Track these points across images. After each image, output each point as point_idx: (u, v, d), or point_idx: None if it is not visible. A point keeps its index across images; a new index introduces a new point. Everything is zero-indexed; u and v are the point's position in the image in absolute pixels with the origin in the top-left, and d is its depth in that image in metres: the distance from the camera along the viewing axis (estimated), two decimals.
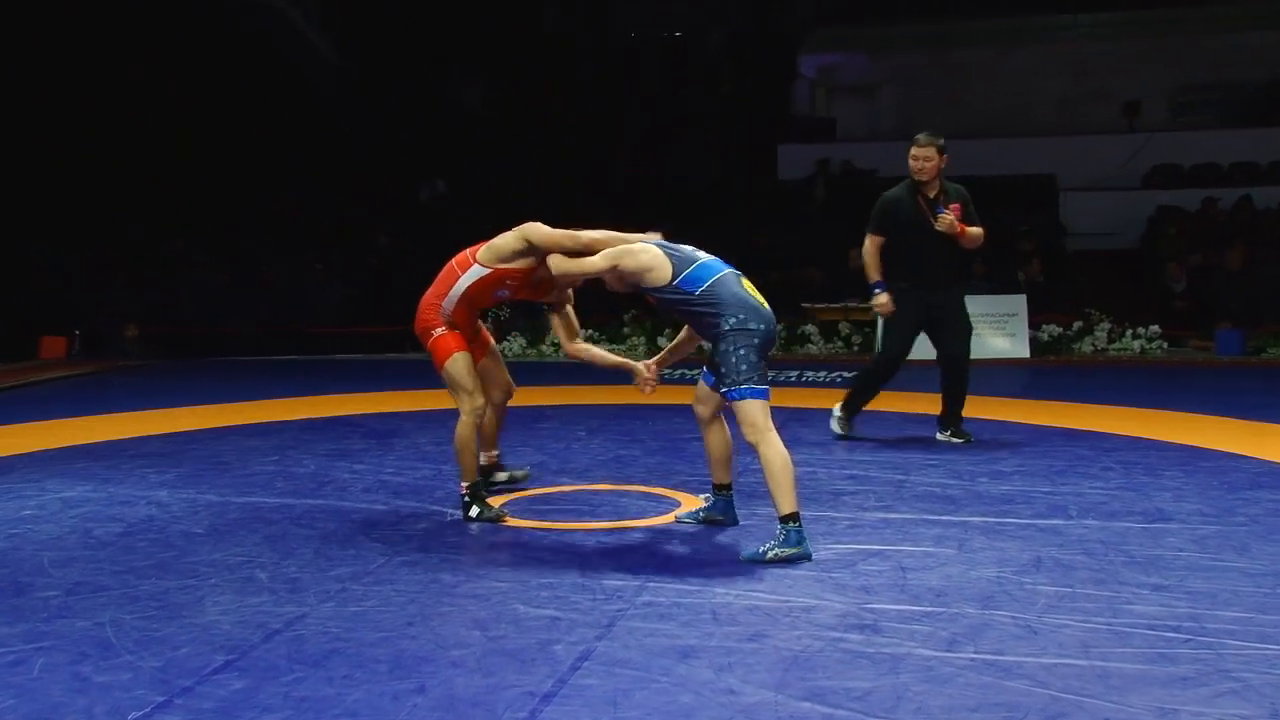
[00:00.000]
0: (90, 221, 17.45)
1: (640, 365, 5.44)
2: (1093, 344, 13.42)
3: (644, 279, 4.92)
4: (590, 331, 13.90)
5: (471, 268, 5.44)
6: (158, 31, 18.18)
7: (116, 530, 5.33)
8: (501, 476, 6.10)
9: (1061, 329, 13.56)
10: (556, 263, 5.19)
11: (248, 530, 5.31)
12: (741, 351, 4.75)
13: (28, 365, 13.06)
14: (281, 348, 15.13)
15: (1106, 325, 13.57)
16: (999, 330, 13.13)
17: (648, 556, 4.79)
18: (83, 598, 4.28)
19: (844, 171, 18.86)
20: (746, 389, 4.74)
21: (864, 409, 7.63)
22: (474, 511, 5.44)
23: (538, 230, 5.29)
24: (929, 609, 4.02)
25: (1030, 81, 20.82)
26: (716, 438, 5.18)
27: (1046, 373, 12.03)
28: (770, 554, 4.63)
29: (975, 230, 7.28)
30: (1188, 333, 13.72)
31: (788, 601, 4.13)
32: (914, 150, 7.32)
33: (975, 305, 13.07)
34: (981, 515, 5.41)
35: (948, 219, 7.16)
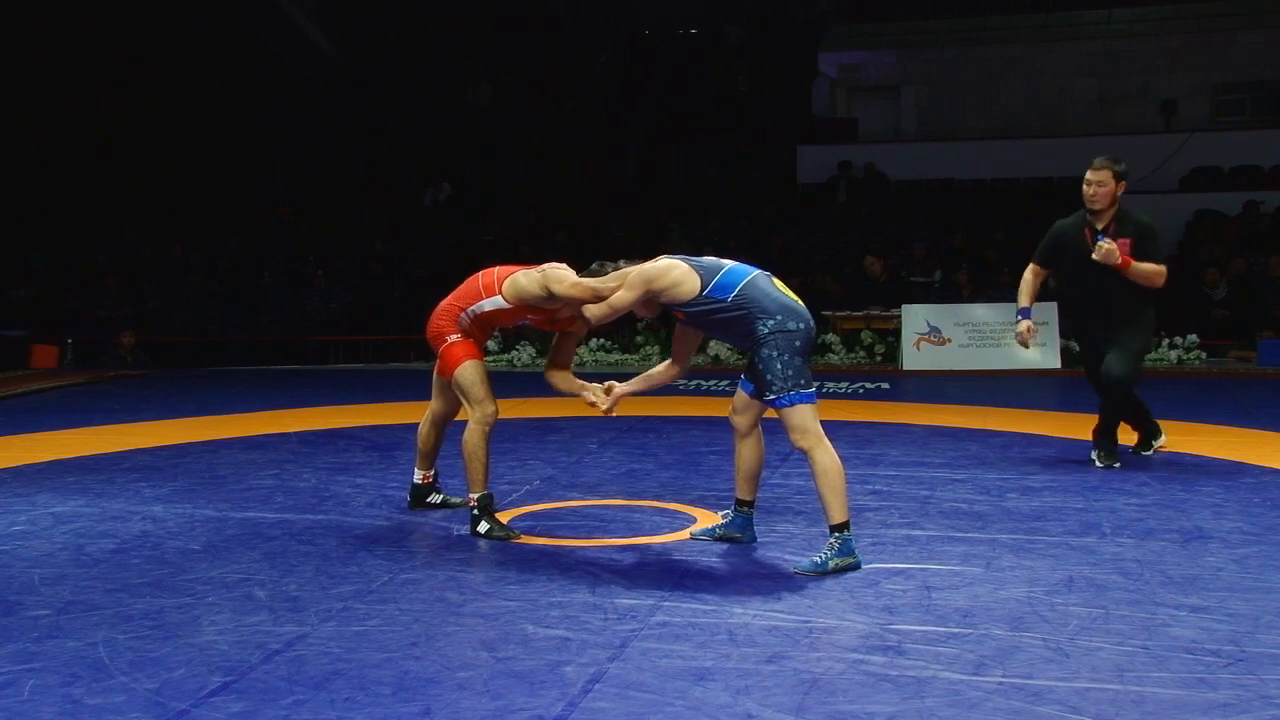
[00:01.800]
0: (84, 228, 17.40)
1: (598, 389, 5.32)
2: None
3: (675, 295, 4.79)
4: (603, 341, 13.86)
5: (495, 297, 5.41)
6: (155, 35, 18.15)
7: (110, 546, 5.23)
8: (435, 500, 5.95)
9: None
10: (591, 312, 5.04)
11: (246, 547, 5.21)
12: (785, 356, 4.65)
13: (18, 375, 12.93)
14: (280, 357, 15.05)
15: None
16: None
17: (662, 575, 4.68)
18: (75, 617, 4.19)
19: (867, 174, 18.75)
20: (795, 394, 4.63)
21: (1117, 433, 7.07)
22: (483, 527, 5.33)
23: (559, 283, 5.17)
24: (955, 630, 3.92)
25: (1061, 80, 20.66)
26: (751, 451, 5.06)
27: (1078, 384, 11.86)
28: (832, 564, 4.58)
29: (1146, 267, 6.54)
30: (1228, 343, 13.58)
31: (808, 622, 4.04)
32: (1087, 174, 6.63)
33: (1005, 314, 13.07)
34: (1010, 533, 5.31)
35: (1105, 248, 6.48)
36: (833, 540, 4.62)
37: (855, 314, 13.84)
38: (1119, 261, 6.45)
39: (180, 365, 14.57)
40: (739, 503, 5.16)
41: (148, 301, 16.18)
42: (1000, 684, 3.43)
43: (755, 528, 5.20)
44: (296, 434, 8.54)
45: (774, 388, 4.65)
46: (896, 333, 13.42)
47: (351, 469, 7.10)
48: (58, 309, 15.71)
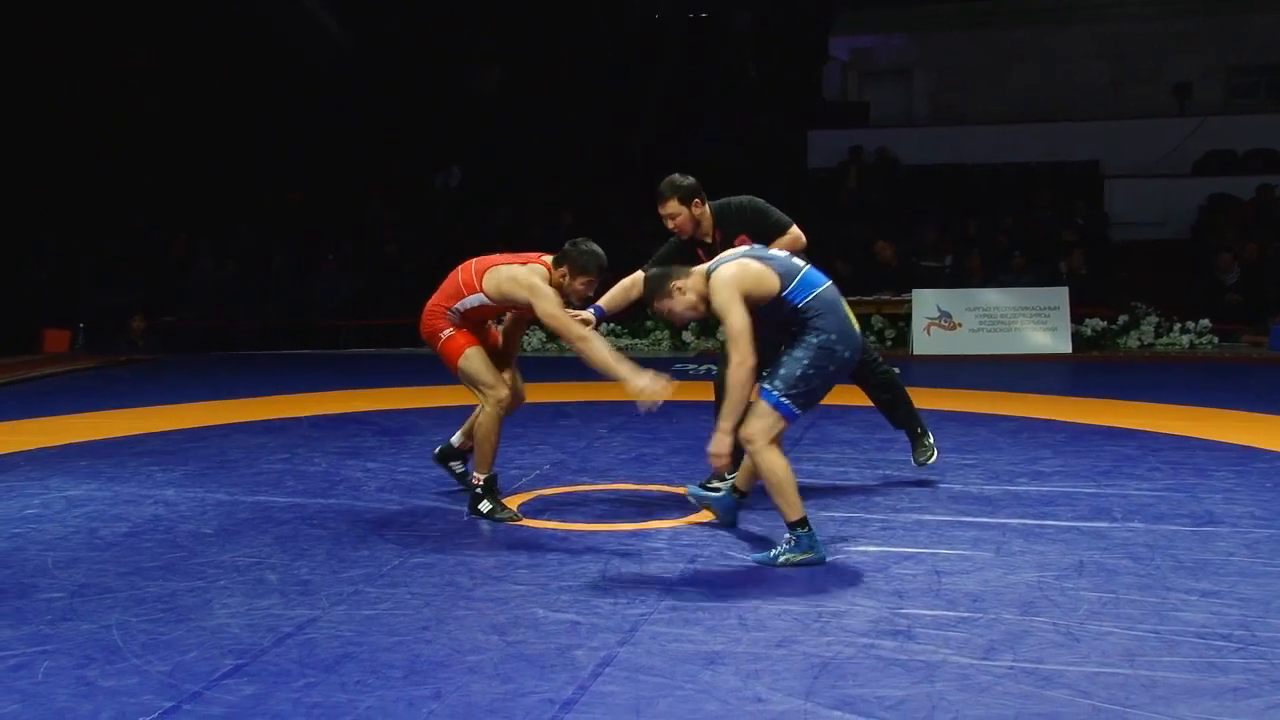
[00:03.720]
0: (96, 213, 17.40)
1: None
2: (1139, 339, 13.22)
3: (760, 298, 4.57)
4: (613, 326, 13.83)
5: (477, 294, 5.37)
6: (163, 19, 18.12)
7: (122, 530, 5.25)
8: (457, 468, 5.92)
9: (1106, 323, 13.33)
10: (740, 345, 4.52)
11: (258, 530, 5.22)
12: (811, 370, 4.53)
13: (30, 359, 12.96)
14: (290, 342, 15.05)
15: (1154, 319, 13.36)
16: (1040, 324, 12.93)
17: (672, 559, 4.68)
18: (88, 600, 4.20)
19: (878, 159, 18.66)
20: (786, 403, 4.52)
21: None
22: (485, 506, 5.37)
23: (542, 305, 5.15)
24: (965, 614, 3.91)
25: (1073, 63, 20.42)
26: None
27: (1090, 369, 11.90)
28: (782, 558, 4.53)
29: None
30: (1240, 327, 13.52)
31: (817, 606, 4.03)
32: (659, 208, 5.72)
33: (1015, 298, 13.06)
34: (1020, 517, 5.29)
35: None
36: (788, 538, 4.56)
37: (866, 299, 13.77)
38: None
39: (191, 350, 14.60)
40: (738, 490, 5.15)
41: (159, 287, 16.19)
42: (1010, 668, 3.42)
43: (739, 513, 5.19)
44: (308, 418, 8.56)
45: (774, 380, 4.55)
46: (907, 317, 13.37)
47: (362, 453, 7.10)
48: (70, 294, 15.72)
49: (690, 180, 5.73)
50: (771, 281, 4.58)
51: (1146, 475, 6.19)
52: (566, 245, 5.32)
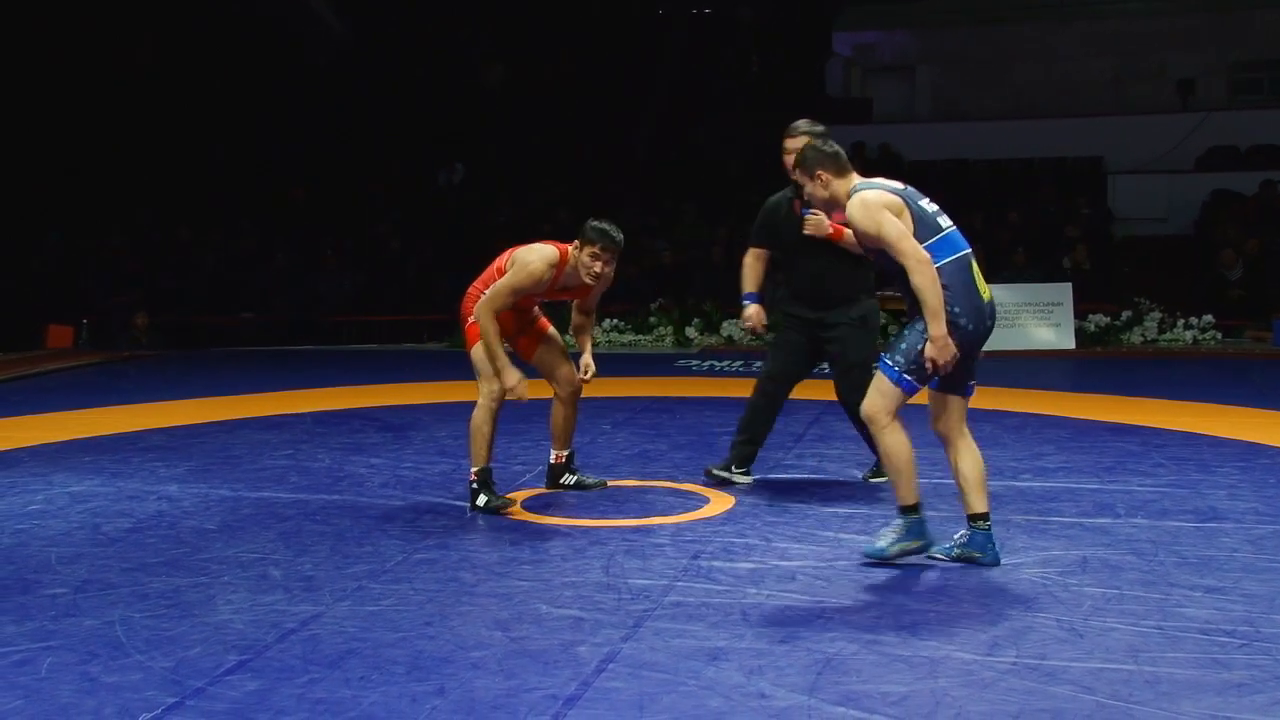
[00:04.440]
0: (99, 208, 17.40)
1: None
2: (1142, 335, 13.19)
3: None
4: (615, 321, 13.84)
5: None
6: (167, 15, 18.13)
7: (126, 526, 5.25)
8: (569, 480, 5.91)
9: (1109, 319, 13.30)
10: (916, 263, 4.30)
11: (261, 526, 5.22)
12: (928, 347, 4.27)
13: (34, 355, 12.96)
14: (294, 338, 15.05)
15: (1157, 315, 13.33)
16: (1043, 320, 12.88)
17: (675, 555, 4.67)
18: (91, 595, 4.20)
19: (881, 155, 18.63)
20: (906, 379, 4.34)
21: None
22: (481, 500, 5.38)
23: (504, 278, 5.39)
24: (969, 610, 3.92)
25: (1077, 59, 20.43)
26: (967, 460, 4.47)
27: (1093, 365, 11.88)
28: (894, 549, 4.40)
29: None
30: (1243, 323, 13.52)
31: (821, 602, 4.03)
32: (785, 142, 5.77)
33: (1019, 294, 13.01)
34: (1024, 513, 5.30)
35: (813, 219, 5.69)
36: (897, 524, 4.43)
37: None
38: (829, 232, 5.69)
39: (194, 346, 14.59)
40: (972, 517, 4.48)
41: (162, 283, 16.20)
42: (1014, 664, 3.41)
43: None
44: (311, 414, 8.55)
45: (894, 356, 4.34)
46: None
47: (366, 449, 7.10)
48: (73, 290, 15.73)
49: (823, 128, 5.71)
50: (909, 225, 4.31)
51: (1150, 471, 6.19)
52: (586, 223, 5.39)
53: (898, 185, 4.47)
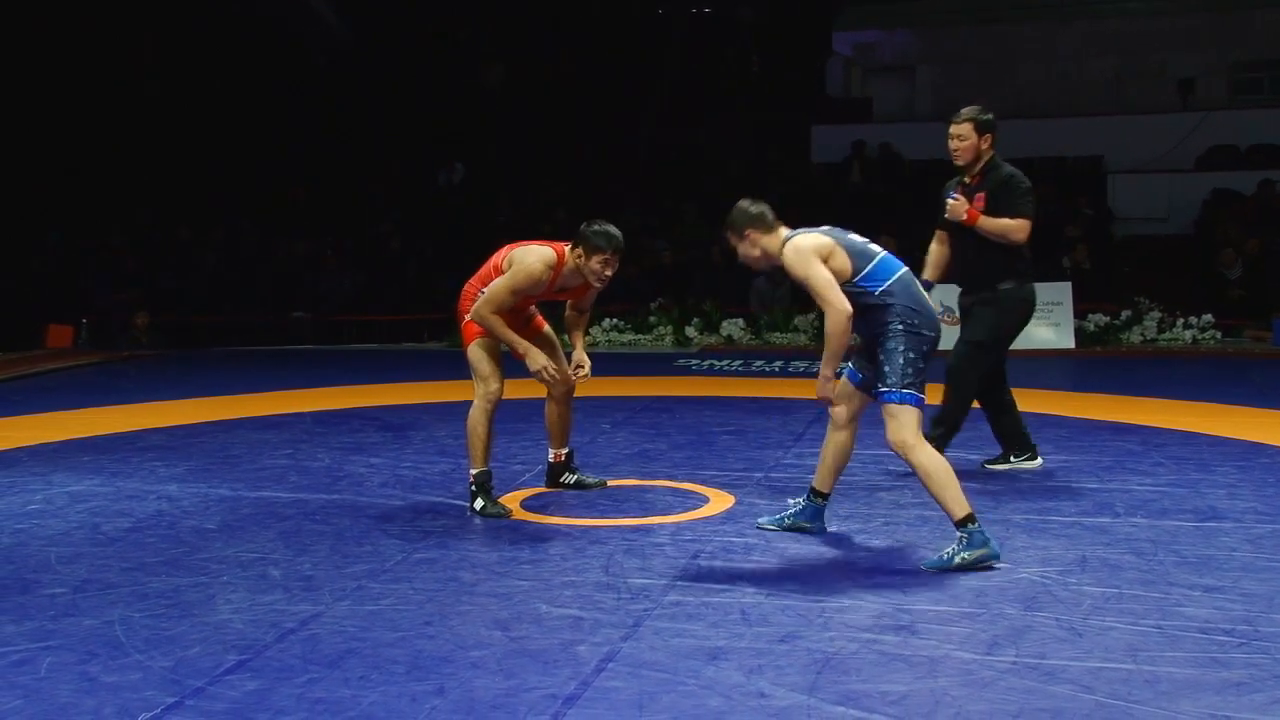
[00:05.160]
0: (99, 208, 17.41)
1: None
2: (1142, 334, 13.18)
3: (835, 272, 4.55)
4: (616, 321, 13.85)
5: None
6: (169, 15, 18.14)
7: (125, 525, 5.25)
8: (568, 479, 5.92)
9: (1109, 319, 13.30)
10: (818, 281, 4.54)
11: (261, 526, 5.22)
12: (911, 354, 4.50)
13: (34, 355, 12.96)
14: (293, 337, 15.05)
15: (1157, 315, 13.32)
16: (1043, 320, 12.81)
17: (675, 554, 4.67)
18: (90, 595, 4.20)
19: (882, 154, 18.64)
20: (908, 394, 4.49)
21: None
22: (478, 504, 5.37)
23: (502, 280, 5.37)
24: (968, 610, 3.91)
25: (1077, 59, 20.44)
26: (843, 443, 4.88)
27: (1093, 364, 11.88)
28: (957, 559, 4.37)
29: (996, 221, 6.01)
30: (1243, 322, 13.50)
31: (821, 602, 4.02)
32: (950, 128, 6.23)
33: None
34: (1024, 513, 5.29)
35: (951, 204, 6.13)
36: (961, 536, 4.41)
37: None
38: (964, 217, 6.01)
39: (194, 346, 14.59)
40: (814, 492, 4.95)
41: (162, 283, 16.20)
42: (1013, 663, 3.41)
43: (780, 512, 5.11)
44: (310, 414, 8.55)
45: (889, 380, 4.51)
46: None
47: (365, 449, 7.10)
48: (73, 290, 15.74)
49: (991, 116, 6.07)
50: (844, 260, 4.54)
51: (1149, 470, 6.19)
52: (582, 226, 5.36)
53: (824, 228, 4.72)
